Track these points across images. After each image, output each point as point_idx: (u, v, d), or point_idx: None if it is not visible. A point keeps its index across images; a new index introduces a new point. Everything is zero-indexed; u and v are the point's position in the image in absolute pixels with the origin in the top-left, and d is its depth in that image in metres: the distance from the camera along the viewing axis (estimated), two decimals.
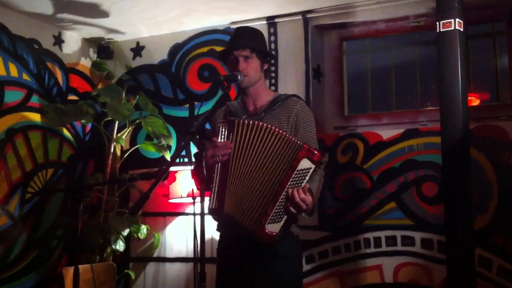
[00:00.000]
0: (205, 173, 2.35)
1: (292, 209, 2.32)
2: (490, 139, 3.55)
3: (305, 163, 2.32)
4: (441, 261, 3.50)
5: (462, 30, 2.97)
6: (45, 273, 4.14)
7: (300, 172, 2.33)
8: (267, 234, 2.35)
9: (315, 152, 2.33)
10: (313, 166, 2.32)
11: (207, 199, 2.35)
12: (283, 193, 2.33)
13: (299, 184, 2.32)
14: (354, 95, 4.27)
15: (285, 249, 2.50)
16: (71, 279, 3.17)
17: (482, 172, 3.52)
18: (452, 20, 2.94)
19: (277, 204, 2.34)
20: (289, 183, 2.33)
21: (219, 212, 2.42)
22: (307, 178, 2.33)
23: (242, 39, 2.60)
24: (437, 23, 3.00)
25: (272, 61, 4.16)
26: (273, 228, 2.35)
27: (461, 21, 2.97)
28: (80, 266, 2.99)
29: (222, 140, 2.43)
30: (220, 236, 2.70)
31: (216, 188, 2.41)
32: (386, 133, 3.84)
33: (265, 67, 2.67)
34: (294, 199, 2.30)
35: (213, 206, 2.41)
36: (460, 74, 2.93)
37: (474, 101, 3.89)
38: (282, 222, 2.35)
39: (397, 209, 3.73)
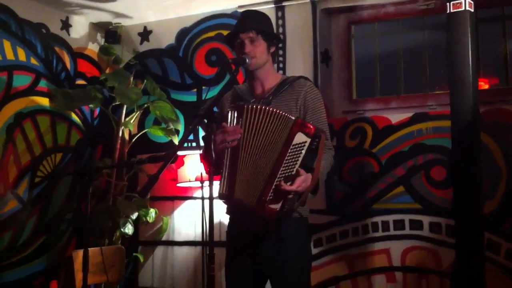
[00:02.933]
0: (213, 157, 2.37)
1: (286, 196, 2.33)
2: (499, 123, 3.54)
3: (299, 137, 2.32)
4: (449, 245, 3.50)
5: (472, 11, 2.94)
6: (54, 257, 4.18)
7: (295, 146, 2.33)
8: (268, 210, 2.35)
9: (309, 125, 2.33)
10: (308, 140, 2.31)
11: (216, 183, 2.35)
12: (281, 169, 2.33)
13: (296, 159, 2.32)
14: (363, 79, 4.24)
15: (292, 231, 2.52)
16: (80, 262, 3.19)
17: (491, 155, 3.51)
18: (463, 1, 2.91)
19: (276, 180, 2.34)
20: (285, 158, 2.33)
21: (229, 197, 2.43)
22: (303, 152, 2.32)
23: (248, 22, 2.59)
24: (447, 3, 2.97)
25: (280, 45, 4.14)
26: (273, 205, 2.36)
27: (472, 2, 2.94)
28: (89, 249, 3.00)
29: (232, 125, 2.43)
30: (230, 219, 2.71)
31: (226, 173, 2.41)
32: (395, 117, 3.82)
33: (272, 49, 2.66)
34: (286, 191, 2.30)
35: (224, 191, 2.42)
36: (471, 55, 2.91)
37: (483, 86, 3.86)
38: (282, 199, 2.36)
39: (405, 193, 3.73)
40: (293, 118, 2.35)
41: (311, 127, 2.33)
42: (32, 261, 4.02)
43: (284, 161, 2.33)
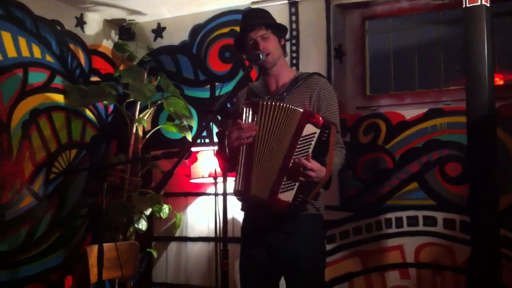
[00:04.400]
0: (227, 153, 2.38)
1: (300, 177, 2.32)
2: None
3: (308, 129, 2.34)
4: (463, 241, 3.48)
5: (488, 5, 2.91)
6: (70, 252, 4.21)
7: (305, 138, 2.34)
8: (281, 203, 2.36)
9: (318, 116, 2.34)
10: (317, 131, 2.33)
11: (230, 179, 2.36)
12: (291, 161, 2.35)
13: (306, 151, 2.33)
14: (377, 75, 4.22)
15: (308, 226, 2.52)
16: (95, 257, 3.22)
17: (506, 151, 3.47)
18: None
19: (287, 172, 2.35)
20: (295, 150, 2.34)
21: (245, 194, 2.44)
22: (312, 143, 2.33)
23: (253, 20, 2.60)
24: None
25: (293, 41, 4.14)
26: (285, 196, 2.37)
27: None
28: (104, 245, 3.02)
29: (247, 121, 2.43)
30: (244, 215, 2.72)
31: (242, 170, 2.43)
32: (409, 113, 3.80)
33: (282, 42, 2.67)
34: (298, 166, 2.31)
35: (240, 188, 2.43)
36: (487, 50, 2.88)
37: (498, 82, 3.83)
38: (294, 190, 2.36)
39: (419, 189, 3.70)
40: (301, 110, 2.36)
41: (320, 118, 2.34)
42: (48, 256, 4.05)
43: (295, 153, 2.34)
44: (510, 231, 3.42)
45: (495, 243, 2.96)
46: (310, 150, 2.33)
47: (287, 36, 4.12)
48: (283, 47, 2.69)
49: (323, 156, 2.34)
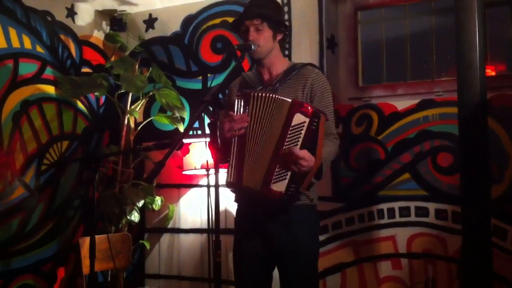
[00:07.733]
0: (219, 144, 2.38)
1: (293, 166, 2.33)
2: (506, 108, 3.51)
3: (298, 118, 2.35)
4: (455, 231, 3.50)
5: None
6: (62, 243, 4.20)
7: (295, 127, 2.35)
8: (274, 193, 2.37)
9: (307, 106, 2.35)
10: (307, 120, 2.33)
11: (222, 170, 2.36)
12: (282, 151, 2.35)
13: (296, 140, 2.34)
14: (369, 65, 4.22)
15: (302, 217, 2.53)
16: (87, 248, 3.21)
17: (498, 141, 3.48)
18: None
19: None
20: (286, 139, 2.35)
21: (237, 185, 2.45)
22: (302, 132, 2.34)
23: (253, 8, 2.59)
24: None
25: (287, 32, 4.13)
26: (278, 187, 2.38)
27: None
28: (96, 236, 3.02)
29: (238, 113, 2.44)
30: (238, 207, 2.72)
31: (234, 161, 2.44)
32: (401, 104, 3.80)
33: (279, 37, 2.65)
34: (288, 155, 2.32)
35: (232, 180, 2.44)
36: (478, 40, 2.89)
37: (490, 73, 3.83)
38: (287, 180, 2.37)
39: (411, 179, 3.71)
40: (289, 100, 2.37)
41: (309, 107, 2.35)
42: (40, 247, 4.03)
43: (285, 143, 2.35)
44: (501, 220, 3.44)
45: (487, 233, 2.98)
46: (300, 139, 2.34)
47: None
48: (280, 41, 2.67)
49: (313, 145, 2.35)
